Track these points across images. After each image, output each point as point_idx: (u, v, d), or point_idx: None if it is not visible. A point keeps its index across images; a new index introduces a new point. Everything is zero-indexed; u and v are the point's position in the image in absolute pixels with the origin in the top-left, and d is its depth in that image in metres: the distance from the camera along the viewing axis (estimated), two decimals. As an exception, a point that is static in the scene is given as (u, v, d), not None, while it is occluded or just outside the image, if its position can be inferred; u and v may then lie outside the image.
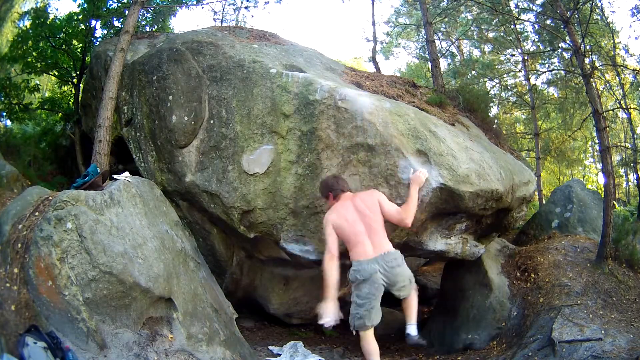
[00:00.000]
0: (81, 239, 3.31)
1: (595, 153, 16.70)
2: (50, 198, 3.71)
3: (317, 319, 3.71)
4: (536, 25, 11.17)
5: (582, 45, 6.44)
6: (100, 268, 3.29)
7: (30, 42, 7.77)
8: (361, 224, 3.82)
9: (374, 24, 14.84)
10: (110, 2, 8.14)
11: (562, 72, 11.76)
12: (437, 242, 4.88)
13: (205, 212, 5.35)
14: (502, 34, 13.08)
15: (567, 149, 15.06)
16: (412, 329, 3.96)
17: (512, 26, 11.80)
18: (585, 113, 11.74)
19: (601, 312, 4.39)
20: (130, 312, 3.47)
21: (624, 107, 10.53)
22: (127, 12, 6.57)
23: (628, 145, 11.87)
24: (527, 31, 12.44)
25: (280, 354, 5.11)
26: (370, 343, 3.81)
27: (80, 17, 7.98)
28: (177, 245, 4.43)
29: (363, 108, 4.33)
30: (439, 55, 9.63)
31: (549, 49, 11.34)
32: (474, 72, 13.36)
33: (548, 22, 9.97)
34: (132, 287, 3.43)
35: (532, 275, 5.38)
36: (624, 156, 13.56)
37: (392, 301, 8.05)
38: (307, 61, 5.66)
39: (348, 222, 3.83)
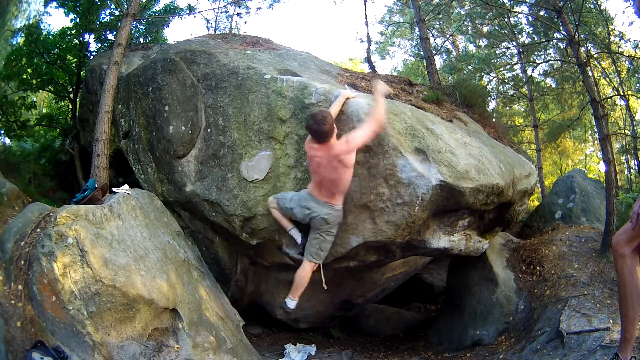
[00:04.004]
0: (82, 253, 3.31)
1: (595, 142, 16.64)
2: (50, 214, 3.71)
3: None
4: (530, 17, 11.17)
5: (577, 35, 6.44)
6: (102, 282, 3.29)
7: (24, 59, 7.77)
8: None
9: (367, 24, 14.84)
10: (103, 15, 8.16)
11: (559, 62, 11.76)
12: (441, 240, 4.87)
13: (207, 221, 5.35)
14: (496, 27, 13.06)
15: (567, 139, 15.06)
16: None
17: (506, 19, 11.76)
18: (583, 102, 11.70)
19: (608, 302, 4.36)
20: (135, 324, 3.46)
21: (622, 94, 10.49)
22: (119, 24, 6.58)
23: (627, 132, 11.82)
24: (521, 23, 12.42)
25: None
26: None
27: (73, 31, 7.98)
28: (180, 255, 4.43)
29: (359, 109, 4.31)
30: (434, 52, 9.62)
31: (544, 40, 11.32)
32: (470, 67, 13.36)
33: (542, 13, 9.96)
34: (136, 299, 3.43)
35: (538, 268, 5.36)
36: (624, 143, 13.53)
37: (399, 302, 8.08)
38: (301, 65, 5.66)
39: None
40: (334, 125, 4.04)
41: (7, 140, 8.66)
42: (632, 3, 8.55)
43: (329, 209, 4.20)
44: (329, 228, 4.30)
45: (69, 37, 8.05)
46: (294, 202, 4.34)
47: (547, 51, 12.71)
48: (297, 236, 4.56)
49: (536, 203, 10.72)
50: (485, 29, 14.42)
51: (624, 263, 2.90)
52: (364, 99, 4.44)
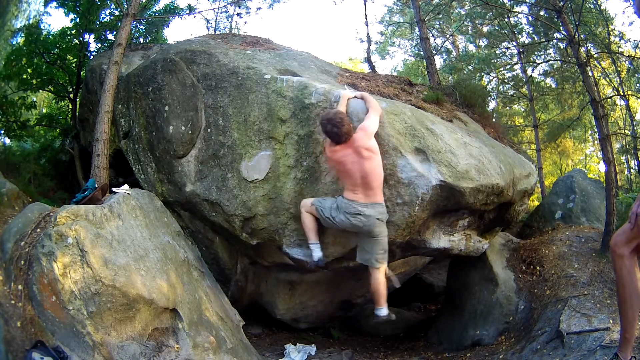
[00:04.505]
0: (82, 253, 3.31)
1: (595, 142, 16.64)
2: (50, 214, 3.72)
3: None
4: (530, 17, 11.16)
5: (577, 35, 6.44)
6: (102, 282, 3.30)
7: (24, 59, 7.76)
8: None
9: (367, 24, 14.81)
10: (103, 15, 8.15)
11: (559, 62, 11.75)
12: (441, 240, 4.87)
13: (207, 221, 5.35)
14: (496, 27, 13.05)
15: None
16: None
17: (506, 19, 11.76)
18: (583, 102, 11.70)
19: (608, 302, 4.36)
20: (135, 324, 3.46)
21: (622, 94, 10.49)
22: (119, 24, 6.58)
23: (627, 132, 11.81)
24: (521, 23, 12.41)
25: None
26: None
27: (73, 31, 7.97)
28: (180, 255, 4.43)
29: (358, 109, 4.32)
30: (434, 52, 9.62)
31: (544, 40, 11.31)
32: (470, 67, 13.35)
33: (542, 13, 9.96)
34: (136, 299, 3.43)
35: (538, 268, 5.36)
36: (624, 143, 13.53)
37: (399, 302, 8.08)
38: (301, 65, 5.66)
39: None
40: (350, 123, 4.09)
41: (7, 140, 8.64)
42: (632, 3, 8.55)
43: (378, 207, 4.10)
44: (382, 227, 4.19)
45: (69, 37, 8.04)
46: (334, 210, 4.17)
47: (547, 51, 12.70)
48: (317, 253, 4.41)
49: (536, 203, 10.71)
50: (485, 29, 14.41)
51: (622, 264, 2.90)
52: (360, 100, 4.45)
